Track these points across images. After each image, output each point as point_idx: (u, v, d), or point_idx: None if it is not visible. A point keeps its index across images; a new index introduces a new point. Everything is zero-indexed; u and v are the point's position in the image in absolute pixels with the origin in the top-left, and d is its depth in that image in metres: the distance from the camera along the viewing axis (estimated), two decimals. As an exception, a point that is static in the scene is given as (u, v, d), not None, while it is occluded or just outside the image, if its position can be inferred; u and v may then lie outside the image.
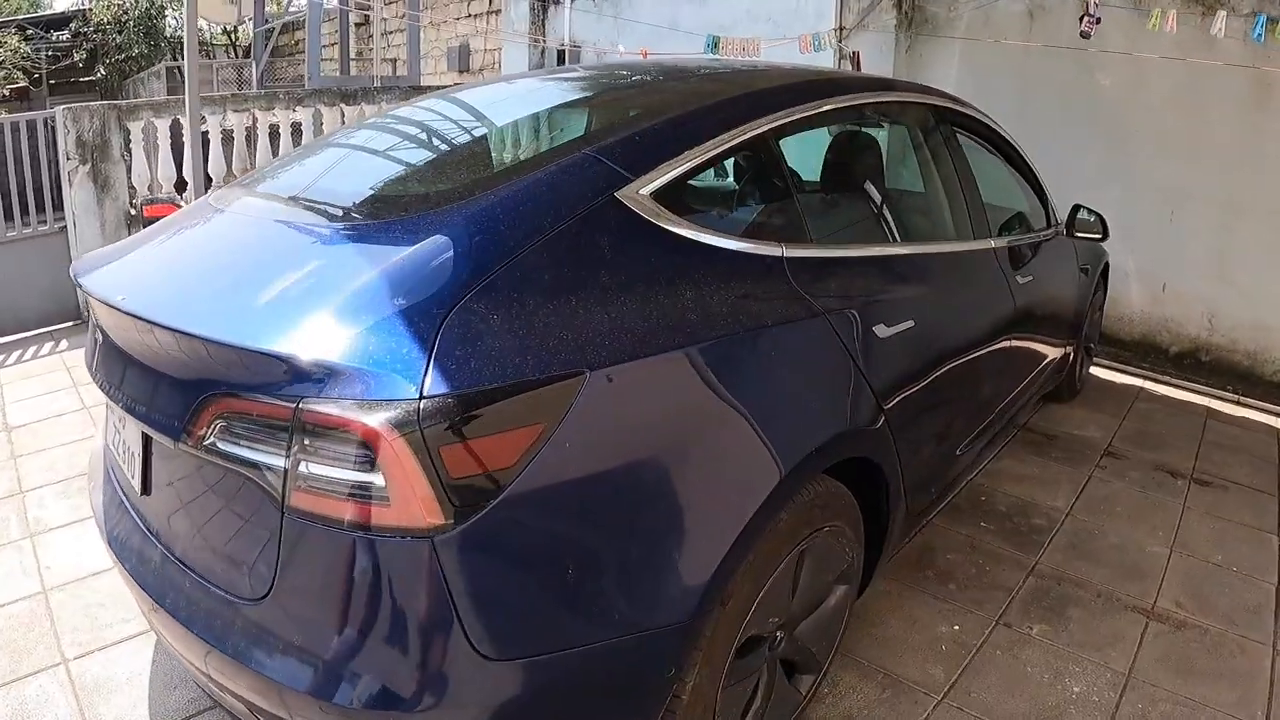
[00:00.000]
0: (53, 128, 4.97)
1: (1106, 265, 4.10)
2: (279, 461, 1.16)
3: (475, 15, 9.61)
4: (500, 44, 9.20)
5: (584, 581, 1.22)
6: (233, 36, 12.78)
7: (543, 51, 8.61)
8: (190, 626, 1.33)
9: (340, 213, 1.56)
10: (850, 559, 1.84)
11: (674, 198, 1.47)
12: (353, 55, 9.77)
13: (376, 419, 1.07)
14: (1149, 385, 4.47)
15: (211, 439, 1.24)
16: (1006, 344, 2.64)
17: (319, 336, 1.17)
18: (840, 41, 5.48)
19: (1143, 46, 4.32)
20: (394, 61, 11.02)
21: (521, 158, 1.62)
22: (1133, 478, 3.33)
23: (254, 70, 9.37)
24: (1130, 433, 3.80)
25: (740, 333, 1.44)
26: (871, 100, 2.28)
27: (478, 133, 1.92)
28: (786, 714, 1.82)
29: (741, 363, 1.42)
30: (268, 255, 1.46)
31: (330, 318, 1.19)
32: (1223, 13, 4.00)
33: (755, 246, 1.59)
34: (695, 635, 1.35)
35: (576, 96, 2.04)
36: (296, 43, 11.66)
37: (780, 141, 1.79)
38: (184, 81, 4.40)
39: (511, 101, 2.10)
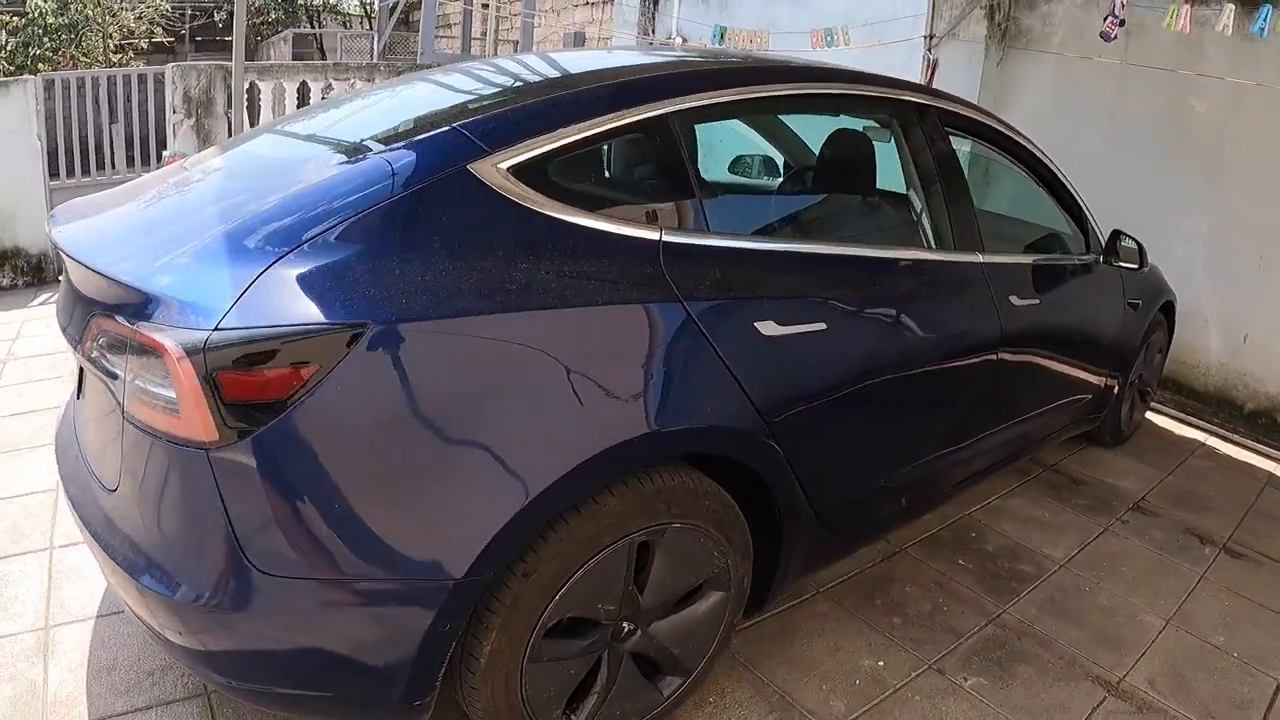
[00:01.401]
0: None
1: (1170, 305, 3.68)
2: (121, 373, 1.36)
3: (592, 3, 9.65)
4: (612, 34, 9.23)
5: (352, 518, 1.28)
6: (368, 8, 13.38)
7: (651, 44, 8.55)
8: (82, 515, 1.57)
9: (253, 174, 1.77)
10: (723, 565, 1.74)
11: (539, 174, 1.47)
12: (476, 35, 10.01)
13: (172, 340, 1.22)
14: (1212, 442, 3.98)
15: (94, 352, 1.45)
16: (991, 370, 2.39)
17: (167, 274, 1.33)
18: (929, 50, 5.16)
19: (1241, 71, 3.84)
20: (514, 44, 11.22)
21: (404, 130, 1.63)
22: (1154, 537, 2.97)
23: (374, 43, 9.76)
24: (1171, 489, 3.40)
25: (567, 307, 1.42)
26: (807, 91, 2.07)
27: (403, 109, 1.89)
28: (641, 712, 1.75)
29: (560, 338, 1.41)
30: (186, 206, 1.66)
31: (184, 259, 1.36)
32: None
33: (625, 229, 1.55)
34: (477, 598, 1.39)
35: (501, 80, 1.97)
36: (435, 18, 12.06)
37: (686, 127, 1.72)
38: (319, 47, 4.60)
39: (457, 81, 2.04)
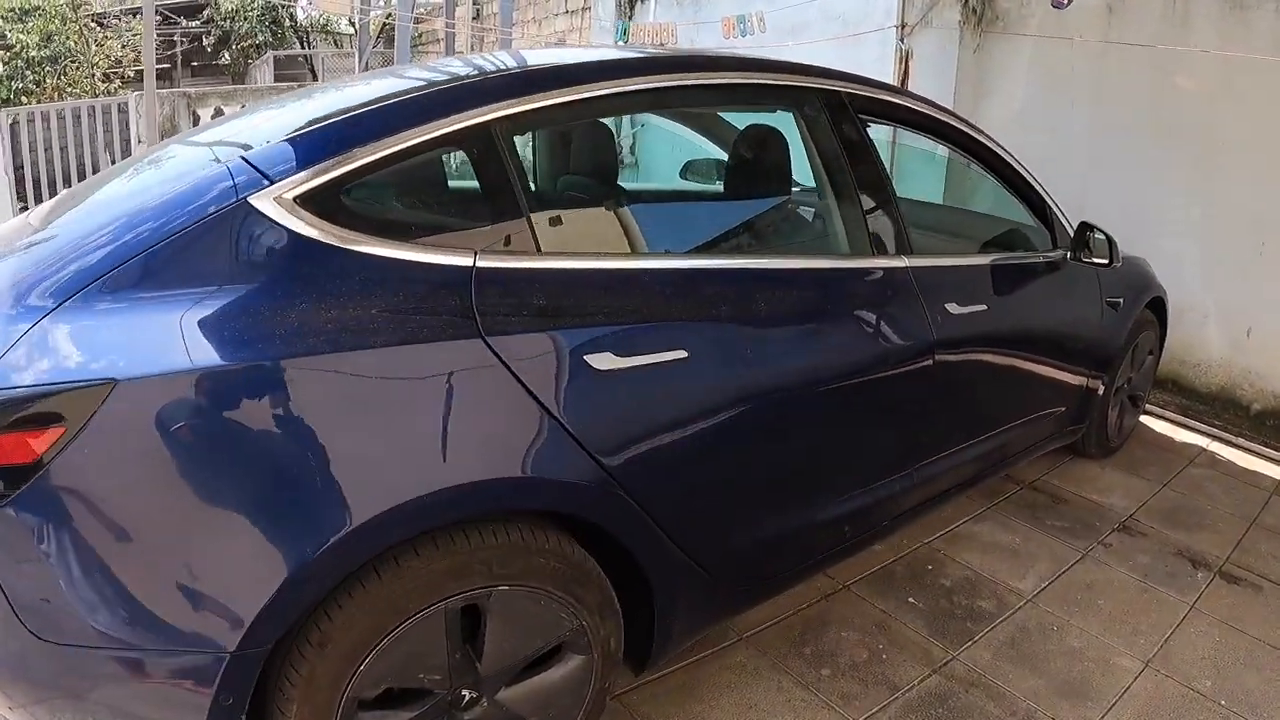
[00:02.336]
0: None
1: (1160, 302, 3.31)
2: None
3: (571, 11, 9.45)
4: (591, 41, 9.08)
5: (118, 585, 1.18)
6: (356, 27, 13.34)
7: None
8: None
9: (67, 220, 1.52)
10: (575, 626, 1.52)
11: (330, 202, 1.32)
12: (459, 49, 9.87)
13: None
14: (1215, 447, 3.60)
15: None
16: (924, 389, 2.08)
17: None
18: (901, 40, 4.84)
19: (1232, 43, 3.47)
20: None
21: (210, 161, 1.43)
22: (1139, 563, 2.62)
23: (356, 61, 9.67)
24: (1164, 504, 3.03)
25: (350, 351, 1.24)
26: (676, 84, 1.77)
27: (242, 132, 1.65)
28: None
29: (340, 385, 1.24)
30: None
31: None
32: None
33: (431, 256, 1.36)
34: (262, 668, 1.25)
35: (346, 95, 1.71)
36: (420, 36, 11.96)
37: (511, 136, 1.50)
38: (311, 68, 4.43)
39: (298, 101, 1.82)
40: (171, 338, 1.17)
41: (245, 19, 12.72)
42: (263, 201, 1.28)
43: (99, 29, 10.17)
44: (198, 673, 1.20)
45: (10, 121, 5.54)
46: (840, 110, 2.00)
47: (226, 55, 13.32)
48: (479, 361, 1.32)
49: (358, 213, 1.35)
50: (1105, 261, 2.64)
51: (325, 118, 1.44)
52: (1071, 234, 2.72)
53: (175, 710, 1.23)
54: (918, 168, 4.45)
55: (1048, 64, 4.34)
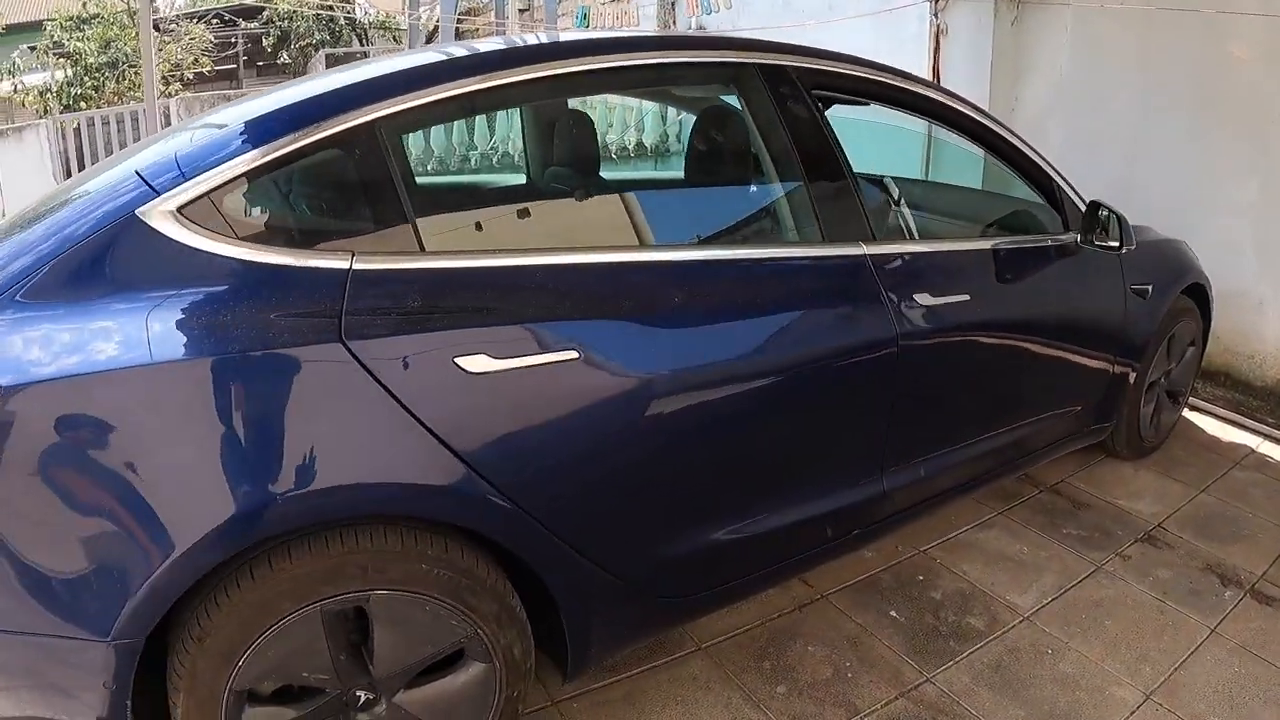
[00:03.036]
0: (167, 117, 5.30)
1: (1199, 288, 2.99)
2: None
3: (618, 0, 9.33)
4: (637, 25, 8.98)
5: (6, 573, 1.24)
6: (406, 26, 13.48)
7: None
8: None
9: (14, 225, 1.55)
10: (471, 634, 1.47)
11: (210, 211, 1.33)
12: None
13: None
14: (1267, 448, 3.23)
15: None
16: (888, 388, 1.89)
17: None
18: (935, 14, 4.54)
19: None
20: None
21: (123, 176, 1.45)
22: (1158, 579, 2.36)
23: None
24: (1198, 511, 2.74)
25: (216, 355, 1.26)
26: (592, 67, 1.65)
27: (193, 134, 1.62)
28: None
29: (203, 389, 1.25)
30: None
31: None
32: None
33: (308, 260, 1.35)
34: (138, 657, 1.28)
35: (247, 104, 1.67)
36: (476, 31, 12.03)
37: (396, 134, 1.50)
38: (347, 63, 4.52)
39: (225, 110, 1.78)
40: (52, 348, 1.21)
41: (302, 19, 12.99)
42: (148, 214, 1.30)
43: (157, 34, 10.53)
44: (81, 660, 1.26)
45: (60, 128, 5.74)
46: (786, 86, 1.82)
47: (285, 55, 13.64)
48: (338, 366, 1.30)
49: (242, 221, 1.36)
50: (1116, 245, 2.36)
51: (220, 127, 1.47)
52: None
53: (63, 695, 1.30)
54: (948, 155, 4.18)
55: (1090, 35, 4.00)
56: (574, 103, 2.01)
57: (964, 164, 3.80)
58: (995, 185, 2.78)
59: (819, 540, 1.94)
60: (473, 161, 5.54)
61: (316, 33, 13.25)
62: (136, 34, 9.64)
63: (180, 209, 1.31)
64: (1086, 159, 4.06)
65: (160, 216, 1.30)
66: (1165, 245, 2.90)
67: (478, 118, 5.36)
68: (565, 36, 1.90)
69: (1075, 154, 4.12)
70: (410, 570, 1.39)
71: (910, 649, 2.04)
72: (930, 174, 4.59)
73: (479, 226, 1.63)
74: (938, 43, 4.34)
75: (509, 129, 5.77)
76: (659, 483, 1.61)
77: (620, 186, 1.89)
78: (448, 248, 1.48)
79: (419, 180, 1.59)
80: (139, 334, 1.23)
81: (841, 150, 1.87)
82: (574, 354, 1.44)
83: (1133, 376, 2.76)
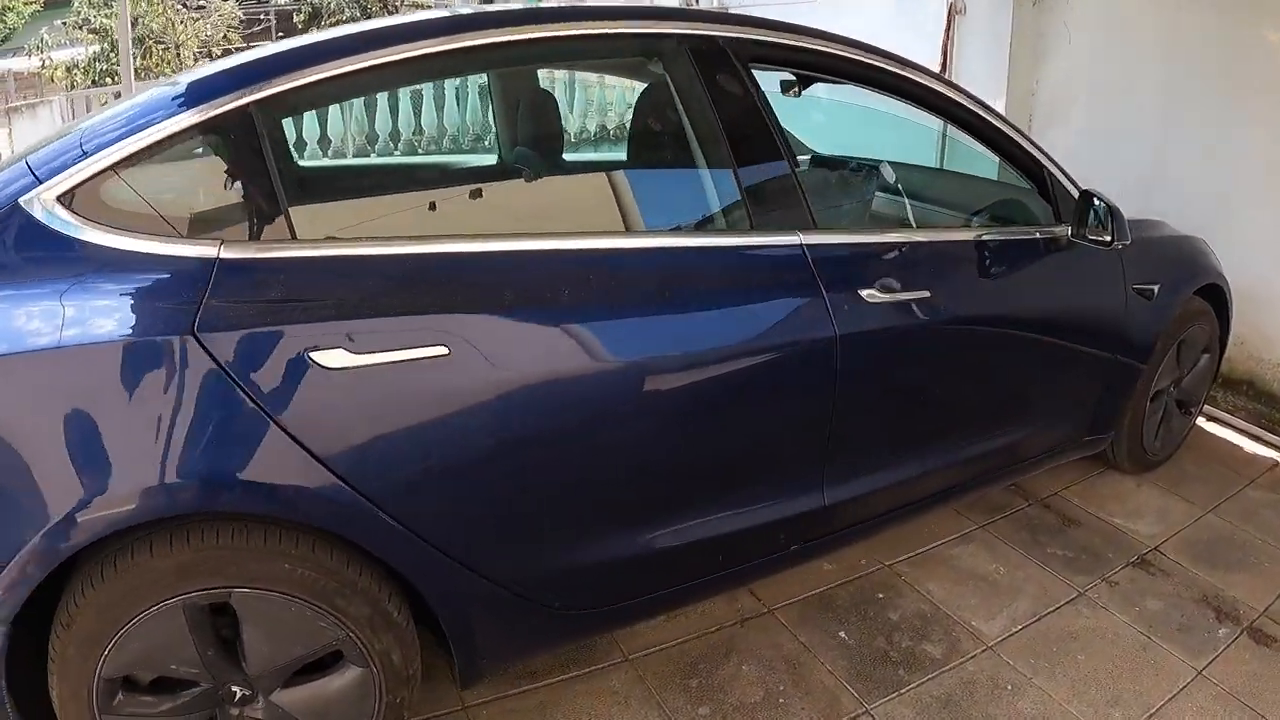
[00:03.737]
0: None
1: (1218, 290, 2.71)
2: None
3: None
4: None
5: None
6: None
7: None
8: None
9: None
10: (342, 638, 1.40)
11: (88, 199, 1.30)
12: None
13: None
14: (1291, 468, 2.96)
15: None
16: (823, 391, 1.69)
17: None
18: (951, -9, 4.25)
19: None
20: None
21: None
22: (1146, 609, 2.12)
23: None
24: (1202, 534, 2.48)
25: (78, 345, 1.22)
26: (484, 42, 1.52)
27: None
28: None
29: (61, 379, 1.23)
30: None
31: None
32: None
33: (174, 247, 1.30)
34: (6, 641, 1.26)
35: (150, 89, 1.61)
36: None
37: (273, 118, 1.42)
38: None
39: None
40: None
41: (333, -5, 13.01)
42: (30, 202, 1.29)
43: (185, 9, 10.59)
44: None
45: (71, 103, 5.73)
46: (715, 60, 1.64)
47: (316, 31, 13.68)
48: (190, 358, 1.25)
49: (120, 209, 1.32)
50: (1107, 239, 2.11)
51: (115, 113, 1.43)
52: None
53: None
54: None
55: (1116, 16, 3.68)
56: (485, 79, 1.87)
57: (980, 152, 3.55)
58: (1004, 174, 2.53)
59: (747, 555, 1.77)
60: (375, 145, 5.43)
61: (347, 9, 13.22)
62: (164, 10, 9.71)
63: (60, 197, 1.29)
64: (1111, 149, 3.76)
65: (40, 204, 1.29)
66: (1179, 242, 2.63)
67: (381, 98, 5.20)
68: (489, 8, 1.75)
69: (1099, 144, 3.82)
70: (272, 569, 1.33)
71: (853, 675, 1.85)
72: (945, 163, 4.33)
73: (362, 213, 1.52)
74: (949, 22, 4.04)
75: (417, 109, 5.61)
76: (544, 490, 1.48)
77: (516, 171, 1.73)
78: (321, 235, 1.39)
79: (304, 165, 1.50)
80: (7, 321, 1.22)
81: (779, 131, 1.69)
82: (443, 350, 1.33)
83: (1134, 384, 2.51)
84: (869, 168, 2.60)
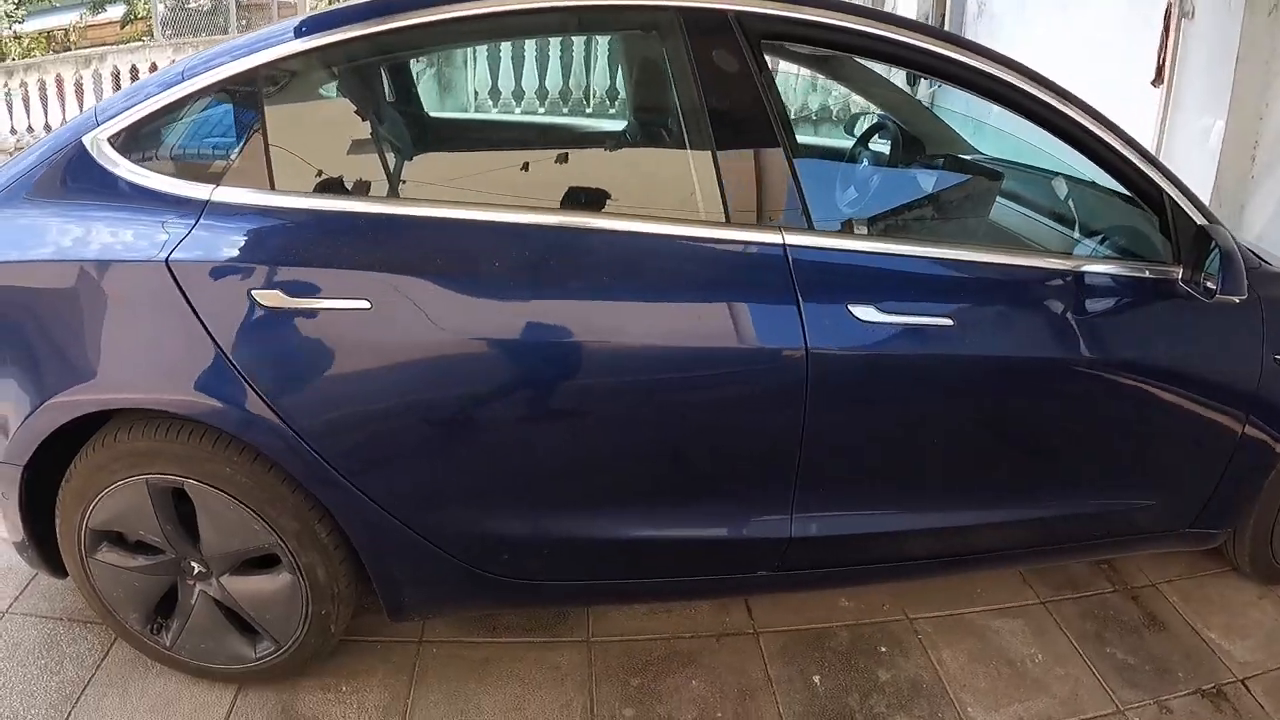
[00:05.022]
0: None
1: None
2: None
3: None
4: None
5: None
6: None
7: None
8: None
9: None
10: (271, 543, 1.57)
11: (130, 140, 1.55)
12: None
13: None
14: None
15: None
16: (792, 414, 1.57)
17: None
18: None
19: None
20: None
21: None
22: (1197, 748, 1.78)
23: None
24: (1317, 680, 2.02)
25: (99, 261, 1.47)
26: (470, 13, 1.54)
27: None
28: (229, 660, 1.72)
29: (75, 287, 1.49)
30: None
31: None
32: None
33: (178, 187, 1.52)
34: (22, 481, 1.59)
35: None
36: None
37: (266, 83, 1.56)
38: None
39: None
40: (18, 237, 1.53)
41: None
42: (88, 140, 1.54)
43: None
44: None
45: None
46: (716, 35, 1.53)
47: None
48: (161, 283, 1.43)
49: (145, 149, 1.55)
50: (1212, 288, 1.69)
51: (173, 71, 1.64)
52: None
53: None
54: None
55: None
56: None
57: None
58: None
59: (701, 568, 1.72)
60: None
61: None
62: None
63: (110, 137, 1.54)
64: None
65: (95, 142, 1.54)
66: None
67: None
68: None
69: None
70: (217, 470, 1.53)
71: (807, 724, 1.72)
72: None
73: (330, 171, 1.60)
74: (1167, 25, 3.41)
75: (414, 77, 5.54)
76: (456, 454, 1.55)
77: (475, 139, 1.74)
78: (293, 188, 1.53)
79: (298, 123, 1.61)
80: (52, 236, 1.51)
81: (779, 117, 1.55)
82: (365, 304, 1.43)
83: (1264, 476, 2.04)
84: (1042, 180, 2.28)
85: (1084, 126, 1.72)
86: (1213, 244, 1.70)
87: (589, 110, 6.27)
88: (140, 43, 11.00)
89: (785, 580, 1.78)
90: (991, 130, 2.37)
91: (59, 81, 8.40)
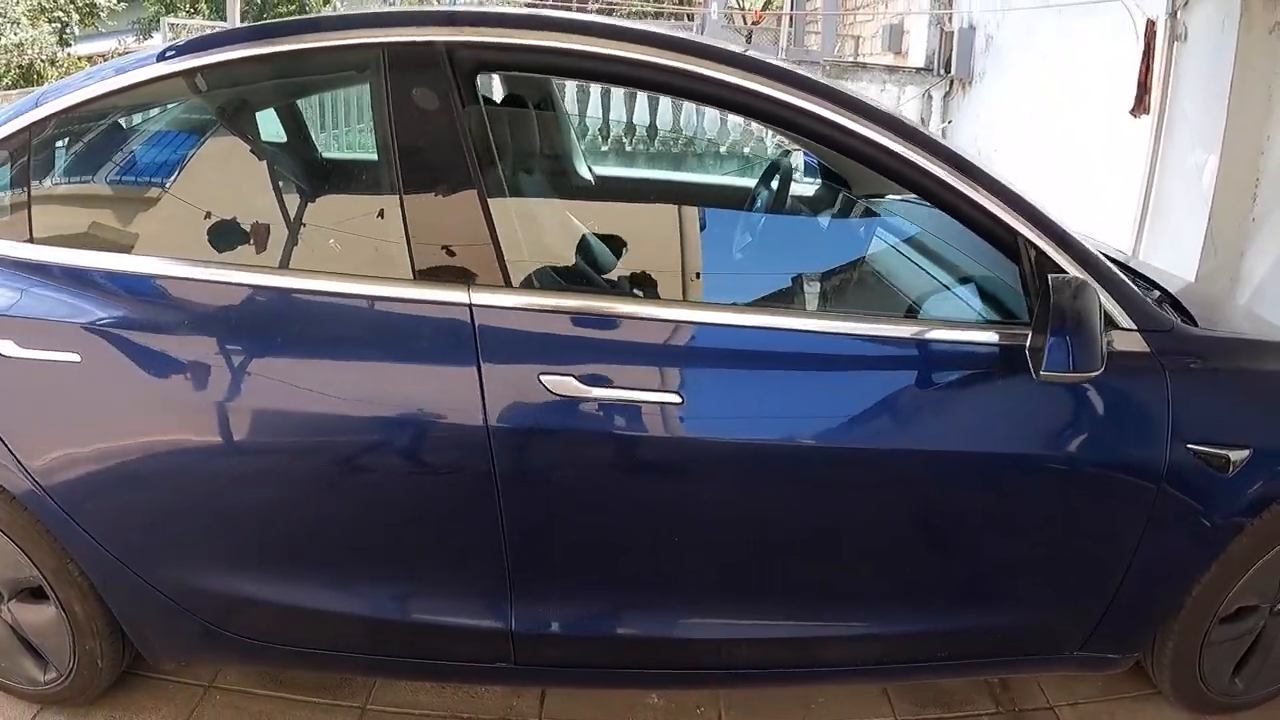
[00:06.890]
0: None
1: None
2: None
3: (909, -8, 8.33)
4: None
5: None
6: None
7: (941, 31, 7.12)
8: None
9: None
10: (31, 577, 1.59)
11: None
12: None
13: None
14: None
15: None
16: (483, 495, 1.43)
17: None
18: (1172, 11, 3.21)
19: None
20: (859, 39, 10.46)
21: None
22: None
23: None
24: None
25: None
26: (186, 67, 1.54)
27: None
28: (24, 681, 1.73)
29: None
30: None
31: None
32: None
33: None
34: None
35: None
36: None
37: (40, 138, 1.57)
38: None
39: None
40: None
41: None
42: None
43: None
44: None
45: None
46: (419, 69, 1.41)
47: None
48: None
49: None
50: (1088, 370, 1.35)
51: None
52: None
53: None
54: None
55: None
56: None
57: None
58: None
59: (424, 650, 1.63)
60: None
61: None
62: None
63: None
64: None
65: None
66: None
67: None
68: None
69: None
70: None
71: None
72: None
73: (82, 219, 1.61)
74: (1148, 45, 3.03)
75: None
76: (166, 510, 1.53)
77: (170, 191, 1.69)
78: (52, 239, 1.54)
79: (74, 177, 1.64)
80: None
81: (480, 157, 1.41)
82: (75, 357, 1.44)
83: (1177, 597, 1.68)
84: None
85: (882, 145, 1.40)
86: (1059, 297, 1.34)
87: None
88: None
89: (505, 675, 1.65)
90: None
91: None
